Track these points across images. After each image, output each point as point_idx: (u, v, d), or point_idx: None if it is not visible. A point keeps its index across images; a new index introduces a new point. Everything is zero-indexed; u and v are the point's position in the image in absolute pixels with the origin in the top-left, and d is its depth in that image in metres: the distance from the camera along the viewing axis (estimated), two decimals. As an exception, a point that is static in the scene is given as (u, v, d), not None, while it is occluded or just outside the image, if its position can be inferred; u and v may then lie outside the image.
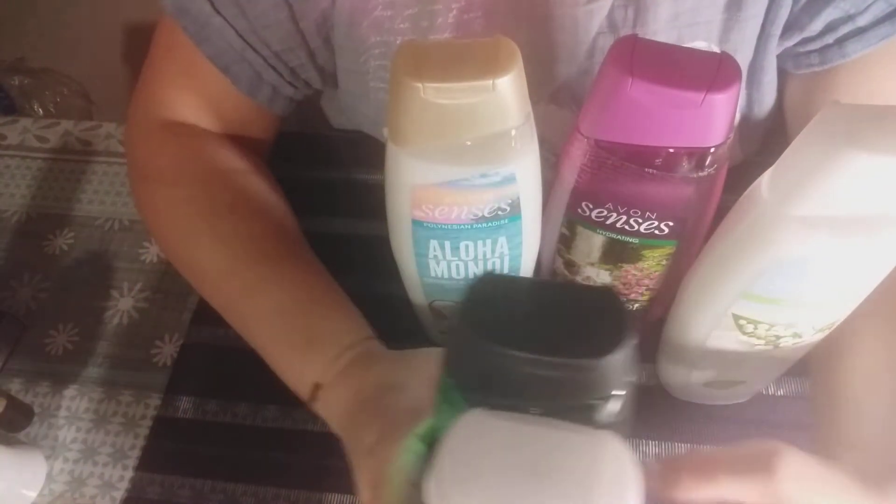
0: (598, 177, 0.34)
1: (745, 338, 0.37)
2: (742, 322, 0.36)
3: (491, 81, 0.29)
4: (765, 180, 0.32)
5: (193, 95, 0.49)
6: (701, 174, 0.32)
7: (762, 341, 0.37)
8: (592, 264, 0.39)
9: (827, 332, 0.37)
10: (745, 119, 0.51)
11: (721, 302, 0.36)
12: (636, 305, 0.42)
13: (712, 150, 0.31)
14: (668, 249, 0.36)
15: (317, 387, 0.39)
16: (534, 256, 0.40)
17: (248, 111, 0.50)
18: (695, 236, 0.36)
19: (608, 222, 0.35)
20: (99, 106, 1.41)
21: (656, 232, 0.35)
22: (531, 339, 0.25)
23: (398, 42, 0.46)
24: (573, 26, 0.43)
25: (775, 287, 0.33)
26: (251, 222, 0.45)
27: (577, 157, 0.34)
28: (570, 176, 0.35)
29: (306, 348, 0.40)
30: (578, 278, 0.41)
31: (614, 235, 0.36)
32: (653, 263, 0.37)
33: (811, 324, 0.35)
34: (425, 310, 0.44)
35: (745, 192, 0.34)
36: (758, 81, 0.47)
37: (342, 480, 0.37)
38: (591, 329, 0.26)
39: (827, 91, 0.44)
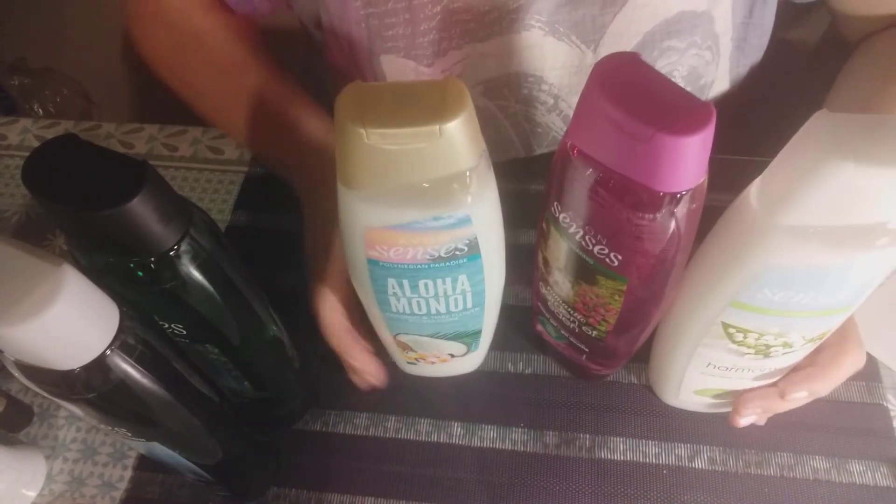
0: (568, 182, 0.33)
1: (734, 346, 0.37)
2: (731, 331, 0.36)
3: (437, 127, 0.28)
4: (753, 189, 0.32)
5: None
6: (648, 216, 0.31)
7: (752, 350, 0.37)
8: (560, 269, 0.38)
9: (818, 343, 0.37)
10: (743, 35, 0.52)
11: (710, 310, 0.36)
12: (594, 332, 0.41)
13: (661, 194, 0.30)
14: (620, 285, 0.35)
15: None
16: (499, 290, 0.39)
17: None
18: (648, 279, 0.35)
19: (570, 231, 0.35)
20: (99, 106, 1.41)
21: (607, 260, 0.34)
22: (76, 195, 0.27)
23: None
24: None
25: (764, 296, 0.33)
26: (234, 46, 0.54)
27: (558, 153, 0.34)
28: (554, 173, 0.35)
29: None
30: (550, 279, 0.40)
31: (574, 248, 0.36)
32: (606, 294, 0.36)
33: (801, 333, 0.35)
34: (391, 342, 0.43)
35: (734, 201, 0.33)
36: None
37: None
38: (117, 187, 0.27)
39: None
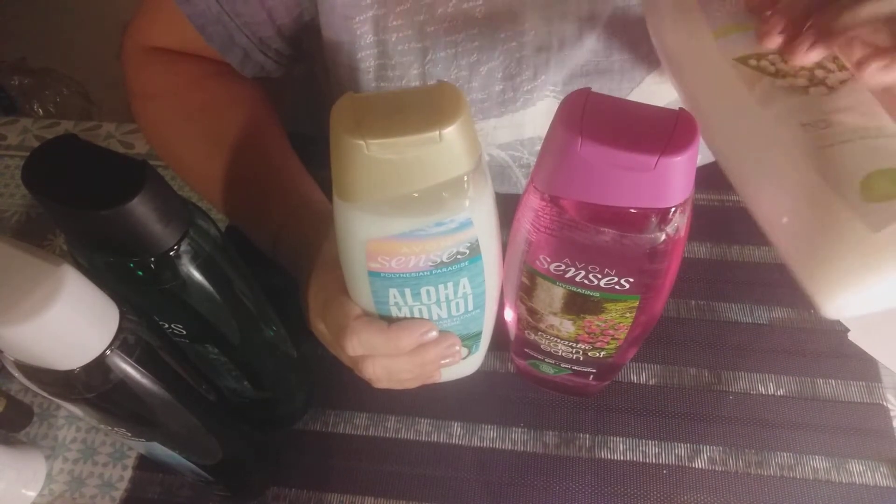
0: (554, 232, 0.33)
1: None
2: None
3: (437, 132, 0.28)
4: None
5: (177, 41, 0.52)
6: (659, 234, 0.31)
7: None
8: (555, 313, 0.38)
9: None
10: None
11: None
12: (602, 353, 0.40)
13: (672, 210, 0.30)
14: (632, 303, 0.35)
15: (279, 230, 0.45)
16: (497, 289, 0.39)
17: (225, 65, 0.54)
18: (660, 288, 0.35)
19: (567, 276, 0.34)
20: (99, 106, 1.42)
21: (617, 287, 0.34)
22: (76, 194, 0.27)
23: (394, 40, 0.46)
24: (576, 4, 0.43)
25: None
26: (219, 120, 0.52)
27: (531, 210, 0.33)
28: (525, 227, 0.34)
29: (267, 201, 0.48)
30: (542, 325, 0.39)
31: (574, 289, 0.35)
32: (616, 315, 0.36)
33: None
34: None
35: None
36: None
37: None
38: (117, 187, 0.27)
39: None
